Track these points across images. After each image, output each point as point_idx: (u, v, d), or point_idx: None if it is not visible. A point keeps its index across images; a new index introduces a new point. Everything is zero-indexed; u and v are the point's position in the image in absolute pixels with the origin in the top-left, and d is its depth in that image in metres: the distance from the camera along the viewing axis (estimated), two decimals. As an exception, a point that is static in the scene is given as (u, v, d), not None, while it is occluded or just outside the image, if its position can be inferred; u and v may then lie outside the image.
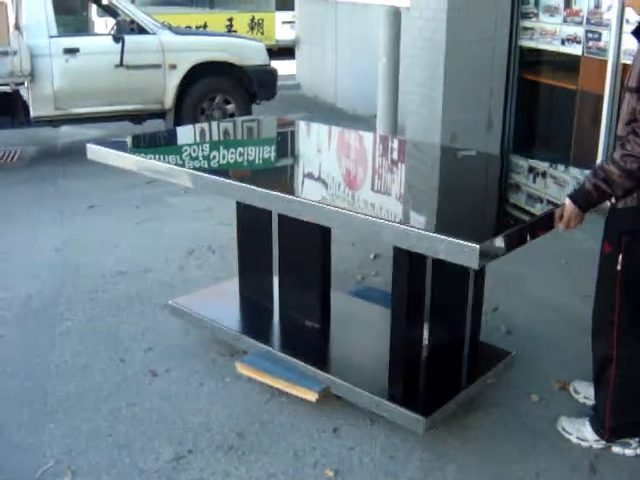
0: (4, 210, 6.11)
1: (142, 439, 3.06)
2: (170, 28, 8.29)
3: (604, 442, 2.96)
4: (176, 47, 7.97)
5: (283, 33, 15.21)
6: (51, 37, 7.42)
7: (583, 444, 2.98)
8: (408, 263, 2.87)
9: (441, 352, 3.24)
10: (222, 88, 8.29)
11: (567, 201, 2.71)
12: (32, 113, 7.47)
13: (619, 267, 2.69)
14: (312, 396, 3.15)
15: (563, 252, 4.96)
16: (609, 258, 2.74)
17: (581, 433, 3.00)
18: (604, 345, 2.86)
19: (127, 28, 7.74)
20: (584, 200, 2.68)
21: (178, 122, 8.18)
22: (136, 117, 8.19)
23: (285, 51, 13.89)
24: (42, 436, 3.08)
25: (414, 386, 3.14)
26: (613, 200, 2.71)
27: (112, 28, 7.87)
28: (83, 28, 8.86)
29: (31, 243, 5.32)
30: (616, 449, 2.95)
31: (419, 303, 3.03)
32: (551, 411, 3.22)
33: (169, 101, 8.00)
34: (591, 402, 3.17)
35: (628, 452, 2.94)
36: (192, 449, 2.99)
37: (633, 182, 2.57)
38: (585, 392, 3.29)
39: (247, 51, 8.50)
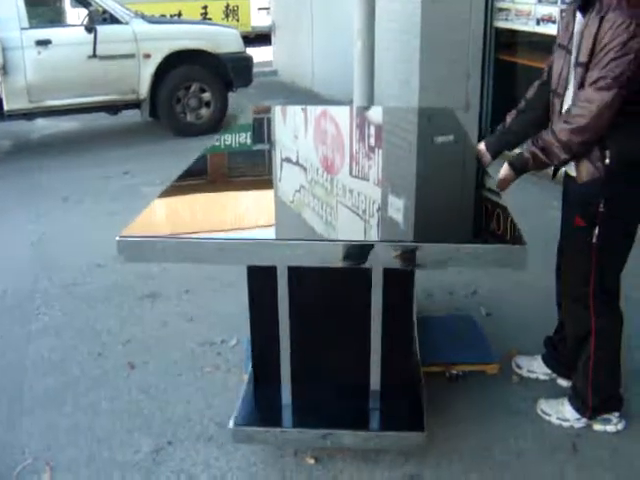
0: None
1: (121, 432, 3.03)
2: (143, 17, 8.19)
3: (585, 420, 2.96)
4: (150, 36, 7.88)
5: (259, 20, 15.10)
6: (22, 29, 7.31)
7: (564, 424, 2.99)
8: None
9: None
10: (197, 77, 8.21)
11: (505, 165, 2.88)
12: (5, 106, 7.36)
13: (594, 240, 2.69)
14: (494, 368, 3.31)
15: (544, 233, 4.95)
16: (582, 231, 2.73)
17: (561, 413, 3.00)
18: (581, 319, 2.85)
19: (99, 18, 7.67)
20: (521, 166, 2.84)
21: (154, 112, 8.12)
22: (111, 108, 8.11)
23: (262, 38, 13.80)
24: (20, 433, 3.04)
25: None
26: (574, 172, 2.76)
27: (84, 19, 7.77)
28: (57, 19, 8.72)
29: (6, 238, 5.26)
30: (597, 427, 2.96)
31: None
32: (532, 391, 3.22)
33: (144, 91, 7.92)
34: (535, 375, 3.33)
35: (609, 428, 2.94)
36: (172, 440, 2.96)
37: (569, 154, 2.66)
38: (528, 366, 3.36)
39: (222, 39, 8.42)
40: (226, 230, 2.55)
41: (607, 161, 2.60)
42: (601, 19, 2.48)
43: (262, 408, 2.89)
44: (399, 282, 2.68)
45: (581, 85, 2.58)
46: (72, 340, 3.78)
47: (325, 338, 2.84)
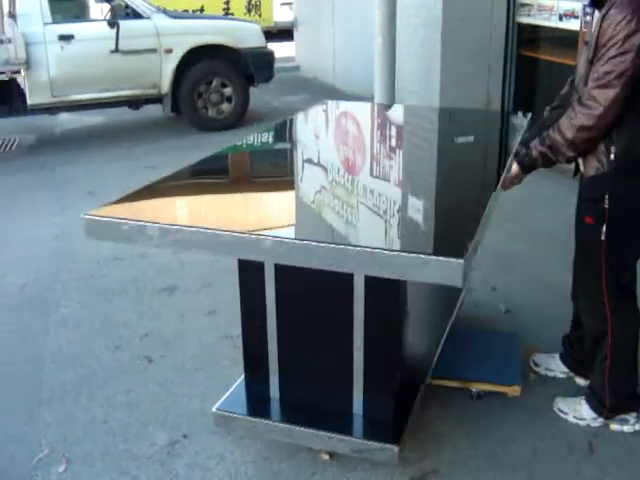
0: (1, 199, 6.09)
1: (137, 425, 3.04)
2: (165, 12, 8.22)
3: (602, 420, 2.93)
4: (172, 31, 7.92)
5: (282, 15, 15.09)
6: (45, 24, 7.39)
7: (581, 423, 2.96)
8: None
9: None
10: (219, 71, 8.24)
11: (514, 164, 2.89)
12: (29, 101, 7.44)
13: (603, 237, 2.67)
14: (515, 391, 3.14)
15: (563, 228, 4.92)
16: (591, 229, 2.72)
17: (578, 412, 2.98)
18: (597, 317, 2.83)
19: (122, 13, 7.71)
20: (530, 165, 2.86)
21: (175, 106, 8.15)
22: (133, 102, 8.17)
23: (285, 33, 13.78)
24: (37, 424, 3.07)
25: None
26: (582, 169, 2.76)
27: (107, 14, 7.81)
28: (81, 14, 8.77)
29: (28, 231, 5.31)
30: (614, 426, 2.93)
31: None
32: (549, 390, 3.20)
33: (166, 86, 7.97)
34: (553, 373, 3.29)
35: (626, 428, 2.92)
36: (187, 434, 2.97)
37: (574, 152, 2.67)
38: (546, 364, 3.33)
39: (243, 34, 8.44)
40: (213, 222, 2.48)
41: (612, 157, 2.59)
42: (604, 15, 2.46)
43: (250, 399, 2.89)
44: (383, 291, 2.54)
45: (587, 82, 2.56)
46: (90, 333, 3.80)
47: (311, 337, 2.76)
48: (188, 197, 2.92)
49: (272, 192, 2.97)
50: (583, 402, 2.98)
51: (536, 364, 3.36)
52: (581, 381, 3.20)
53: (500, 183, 2.81)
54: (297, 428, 2.69)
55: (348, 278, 2.50)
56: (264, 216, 2.64)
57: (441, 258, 2.00)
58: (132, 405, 3.19)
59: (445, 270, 2.00)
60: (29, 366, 3.52)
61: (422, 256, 2.03)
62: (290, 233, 2.39)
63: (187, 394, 3.25)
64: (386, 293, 2.55)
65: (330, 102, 4.57)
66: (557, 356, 3.33)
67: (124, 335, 3.77)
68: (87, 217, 2.38)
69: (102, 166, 6.93)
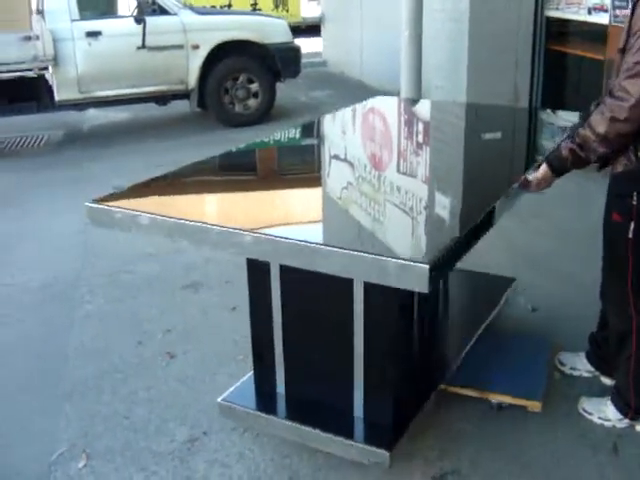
0: (28, 195, 6.14)
1: (157, 421, 3.05)
2: (192, 8, 8.26)
3: (628, 421, 2.88)
4: (198, 27, 7.94)
5: (309, 10, 15.06)
6: (73, 21, 7.44)
7: (606, 424, 2.91)
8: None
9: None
10: (245, 67, 8.24)
11: (543, 165, 2.77)
12: (56, 97, 7.50)
13: (630, 235, 2.61)
14: (535, 406, 2.99)
15: (590, 225, 4.85)
16: (619, 226, 2.66)
17: (603, 413, 2.93)
18: (622, 316, 2.78)
19: (148, 9, 7.74)
20: (560, 165, 2.73)
21: (202, 102, 8.16)
22: (160, 98, 8.19)
23: (313, 29, 13.76)
24: (58, 419, 3.09)
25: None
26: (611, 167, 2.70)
27: (133, 10, 7.84)
28: (108, 11, 8.81)
29: (54, 227, 5.35)
30: (640, 428, 2.88)
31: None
32: (574, 389, 3.15)
33: (193, 81, 7.98)
34: (578, 372, 3.22)
35: (652, 430, 2.87)
36: (207, 431, 2.97)
37: (606, 148, 2.56)
38: (571, 363, 3.27)
39: (270, 29, 8.44)
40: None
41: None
42: (636, 3, 2.40)
43: (256, 392, 2.92)
44: (381, 293, 2.44)
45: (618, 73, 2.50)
46: (113, 328, 3.82)
47: (314, 337, 2.76)
48: (191, 191, 3.01)
49: (284, 189, 3.01)
50: (608, 403, 2.92)
51: (562, 363, 3.31)
52: (607, 381, 3.15)
53: (521, 182, 2.77)
54: (295, 425, 2.70)
55: (348, 280, 2.43)
56: (262, 213, 2.64)
57: (405, 262, 1.95)
58: (153, 401, 3.19)
59: (411, 275, 1.94)
60: (52, 361, 3.54)
61: (383, 258, 1.98)
62: (276, 231, 2.33)
63: (208, 390, 3.24)
64: (385, 296, 2.49)
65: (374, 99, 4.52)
66: (583, 355, 3.27)
67: (147, 331, 3.78)
68: (89, 205, 2.55)
69: (128, 161, 6.95)
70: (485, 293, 3.78)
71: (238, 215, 2.61)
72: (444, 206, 2.65)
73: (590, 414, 2.96)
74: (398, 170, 3.05)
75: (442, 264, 1.99)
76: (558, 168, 2.74)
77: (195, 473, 2.73)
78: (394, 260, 1.97)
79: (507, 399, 3.02)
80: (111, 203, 2.56)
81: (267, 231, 2.27)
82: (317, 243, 2.14)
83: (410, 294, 2.76)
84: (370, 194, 2.67)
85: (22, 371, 3.48)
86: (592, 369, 3.23)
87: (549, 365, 3.28)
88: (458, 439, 2.87)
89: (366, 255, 2.02)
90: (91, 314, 3.98)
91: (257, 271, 2.74)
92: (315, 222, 2.56)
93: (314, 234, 2.34)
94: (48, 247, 4.98)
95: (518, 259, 4.33)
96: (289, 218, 2.61)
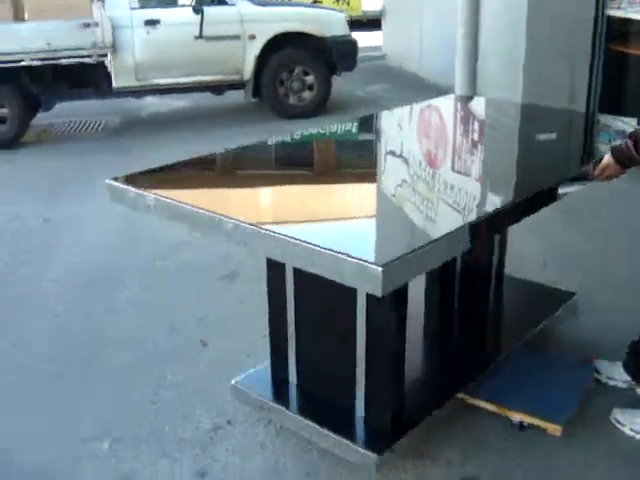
0: (78, 179, 6.25)
1: (184, 408, 3.07)
2: (250, -1, 8.28)
3: (661, 434, 2.80)
4: (255, 18, 7.97)
5: (370, 4, 14.96)
6: (132, 9, 7.55)
7: (637, 436, 2.82)
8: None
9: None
10: (301, 59, 8.24)
11: (607, 154, 2.78)
12: (114, 84, 7.61)
13: None
14: (555, 430, 2.83)
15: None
16: None
17: (636, 425, 2.84)
18: None
19: (207, 0, 7.80)
20: (619, 154, 2.73)
21: (257, 93, 8.19)
22: (216, 88, 8.25)
23: (374, 22, 13.69)
24: (88, 402, 3.14)
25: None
26: None
27: (192, 0, 7.91)
28: (168, 0, 8.91)
29: (98, 212, 5.41)
30: (673, 441, 2.79)
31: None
32: (608, 399, 3.05)
33: (248, 72, 8.02)
34: (614, 382, 3.13)
35: (686, 444, 2.77)
36: (231, 420, 2.98)
37: None
38: (608, 372, 3.17)
39: (327, 22, 8.42)
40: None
41: None
42: None
43: (271, 380, 3.00)
44: (384, 304, 2.45)
45: None
46: (149, 315, 3.86)
47: (323, 336, 2.79)
48: (207, 176, 3.16)
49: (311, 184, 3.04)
50: (642, 415, 2.84)
51: (598, 371, 3.22)
52: (643, 392, 3.06)
53: (586, 169, 2.81)
54: (297, 417, 2.77)
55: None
56: (260, 208, 2.72)
57: (359, 262, 1.91)
58: (181, 387, 3.22)
59: (364, 276, 1.90)
60: (87, 346, 3.60)
61: (340, 256, 1.95)
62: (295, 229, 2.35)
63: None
64: (386, 302, 2.44)
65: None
66: (620, 364, 3.18)
67: (182, 318, 3.81)
68: (108, 182, 2.75)
69: (184, 149, 6.95)
70: (535, 305, 3.67)
71: (251, 208, 2.69)
72: (495, 204, 2.62)
73: (622, 425, 2.87)
74: (452, 168, 3.03)
75: (400, 267, 1.94)
76: (619, 158, 2.74)
77: (216, 462, 2.75)
78: (350, 260, 1.93)
79: (528, 418, 2.88)
80: (134, 183, 2.73)
81: (295, 227, 2.31)
82: (286, 235, 2.15)
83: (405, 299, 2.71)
84: (423, 192, 2.65)
85: (55, 354, 3.55)
86: (629, 379, 3.14)
87: (585, 392, 3.09)
88: (482, 447, 2.81)
89: (326, 252, 2.00)
90: (129, 299, 4.03)
91: (275, 268, 2.78)
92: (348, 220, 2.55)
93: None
94: (90, 232, 5.08)
95: (563, 260, 4.23)
96: (326, 214, 2.60)
